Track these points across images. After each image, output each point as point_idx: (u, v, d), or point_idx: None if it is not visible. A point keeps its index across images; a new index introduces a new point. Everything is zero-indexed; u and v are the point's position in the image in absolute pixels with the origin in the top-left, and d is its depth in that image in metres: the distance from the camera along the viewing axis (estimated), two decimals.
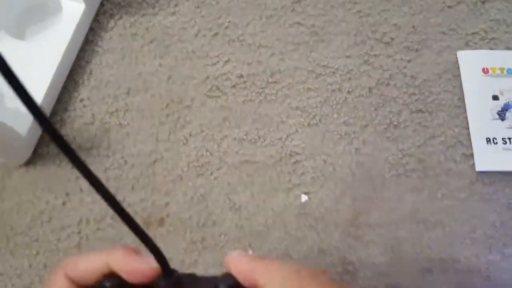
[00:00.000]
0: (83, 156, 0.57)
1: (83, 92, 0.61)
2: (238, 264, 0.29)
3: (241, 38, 0.63)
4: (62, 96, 0.60)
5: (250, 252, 0.54)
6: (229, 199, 0.56)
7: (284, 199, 0.56)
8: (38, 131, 0.58)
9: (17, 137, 0.54)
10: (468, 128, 0.59)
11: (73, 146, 0.59)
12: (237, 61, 0.62)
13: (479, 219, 0.55)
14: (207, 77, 0.61)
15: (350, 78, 0.61)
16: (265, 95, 0.61)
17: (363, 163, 0.58)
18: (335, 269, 0.53)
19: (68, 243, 0.55)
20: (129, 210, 0.56)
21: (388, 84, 0.61)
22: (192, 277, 0.29)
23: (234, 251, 0.30)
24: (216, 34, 0.64)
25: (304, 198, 0.56)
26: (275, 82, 0.61)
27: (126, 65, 0.62)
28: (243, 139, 0.59)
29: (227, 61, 0.62)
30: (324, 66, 0.62)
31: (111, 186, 0.57)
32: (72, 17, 0.61)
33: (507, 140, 0.57)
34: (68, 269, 0.28)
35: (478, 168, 0.57)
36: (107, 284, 0.26)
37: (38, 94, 0.57)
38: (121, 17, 0.64)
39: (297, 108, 0.60)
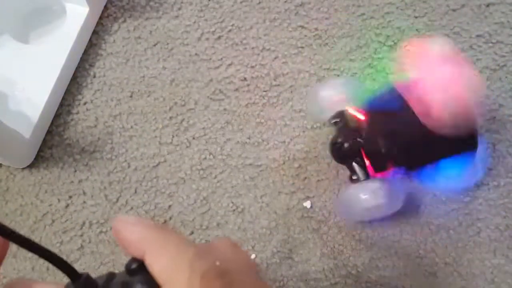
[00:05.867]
0: (86, 159, 0.57)
1: (87, 95, 0.61)
2: (126, 234, 0.26)
3: (244, 41, 0.63)
4: (66, 99, 0.60)
5: (253, 256, 0.54)
6: (232, 202, 0.56)
7: (287, 202, 0.56)
8: (42, 133, 0.58)
9: (21, 140, 0.54)
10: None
11: (76, 149, 0.59)
12: (240, 65, 0.62)
13: (484, 223, 0.55)
14: (210, 80, 0.61)
15: None
16: (268, 98, 0.60)
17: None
18: (338, 272, 0.53)
19: (70, 246, 0.55)
20: (133, 213, 0.56)
21: None
22: (108, 274, 0.27)
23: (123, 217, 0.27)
24: (219, 37, 0.64)
25: (307, 204, 0.56)
26: (278, 85, 0.61)
27: (129, 68, 0.62)
28: (246, 142, 0.59)
29: (230, 65, 0.62)
30: (327, 69, 0.62)
31: (114, 189, 0.57)
32: (76, 21, 0.61)
33: None
34: None
35: None
36: (134, 265, 0.25)
37: (42, 97, 0.57)
38: (125, 21, 0.64)
39: (300, 111, 0.60)
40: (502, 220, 0.55)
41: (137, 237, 0.25)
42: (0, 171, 0.58)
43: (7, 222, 0.55)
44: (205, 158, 0.58)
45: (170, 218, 0.55)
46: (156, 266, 0.24)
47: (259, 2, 0.65)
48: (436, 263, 0.54)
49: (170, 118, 0.60)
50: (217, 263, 0.24)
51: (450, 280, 0.53)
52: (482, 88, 0.50)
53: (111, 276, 0.26)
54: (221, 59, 0.63)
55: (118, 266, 0.54)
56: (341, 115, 0.54)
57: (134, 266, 0.25)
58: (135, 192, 0.57)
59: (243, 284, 0.25)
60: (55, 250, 0.53)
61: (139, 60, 0.63)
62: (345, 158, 0.53)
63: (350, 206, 0.52)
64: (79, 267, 0.54)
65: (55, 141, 0.58)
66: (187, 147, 0.58)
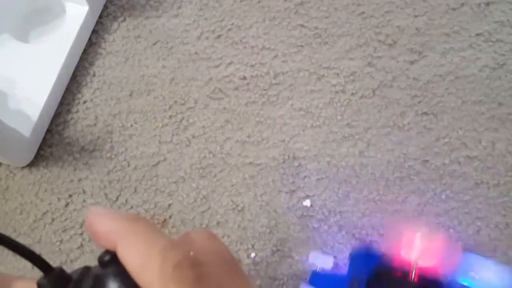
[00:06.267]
0: (86, 158, 0.57)
1: (86, 94, 0.61)
2: (98, 226, 0.25)
3: (244, 40, 0.63)
4: (65, 98, 0.60)
5: (253, 254, 0.54)
6: (232, 200, 0.56)
7: (287, 200, 0.56)
8: (42, 132, 0.58)
9: (21, 138, 0.54)
10: (472, 130, 0.59)
11: (75, 148, 0.59)
12: (240, 63, 0.62)
13: (483, 221, 0.55)
14: (210, 79, 0.61)
15: (353, 80, 0.61)
16: (268, 97, 0.60)
17: (367, 165, 0.57)
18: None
19: (70, 244, 0.54)
20: (132, 211, 0.56)
21: (391, 86, 0.61)
22: (83, 268, 0.27)
23: (93, 207, 0.26)
24: (219, 36, 0.64)
25: (307, 203, 0.56)
26: (278, 84, 0.61)
27: (129, 67, 0.62)
28: (246, 141, 0.59)
29: (230, 63, 0.62)
30: (327, 67, 0.62)
31: (114, 188, 0.57)
32: (76, 20, 0.61)
33: None
34: None
35: None
36: (106, 257, 0.25)
37: (41, 96, 0.57)
38: (124, 20, 0.64)
39: (300, 109, 0.60)
40: (502, 218, 0.55)
41: (108, 228, 0.25)
42: (0, 170, 0.58)
43: (7, 221, 0.55)
44: (204, 157, 0.58)
45: (170, 217, 0.55)
46: (128, 257, 0.24)
47: (259, 1, 0.65)
48: None
49: (170, 116, 0.60)
50: (191, 253, 0.24)
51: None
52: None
53: (86, 270, 0.26)
54: (221, 58, 0.63)
55: None
56: None
57: (106, 258, 0.25)
58: (135, 191, 0.57)
59: (217, 276, 0.25)
60: (55, 248, 0.53)
61: (138, 59, 0.62)
62: None
63: None
64: (78, 265, 0.54)
65: (55, 140, 0.58)
66: (186, 145, 0.58)
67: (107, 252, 0.25)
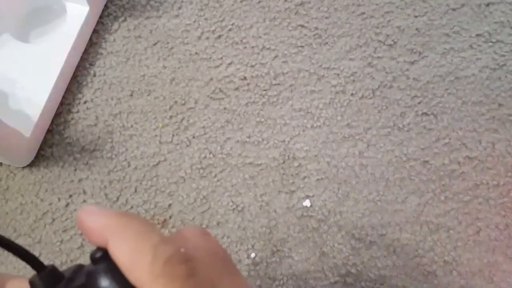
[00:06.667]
0: (86, 158, 0.57)
1: (87, 94, 0.61)
2: (89, 223, 0.25)
3: (244, 40, 0.64)
4: (66, 98, 0.60)
5: (253, 255, 0.54)
6: (232, 201, 0.56)
7: (287, 201, 0.56)
8: (42, 132, 0.58)
9: (21, 139, 0.54)
10: (472, 131, 0.59)
11: (76, 148, 0.59)
12: (241, 64, 0.62)
13: (483, 222, 0.55)
14: (211, 79, 0.61)
15: (353, 80, 0.61)
16: (268, 97, 0.61)
17: (367, 166, 0.58)
18: (338, 271, 0.53)
19: (71, 245, 0.55)
20: (133, 212, 0.56)
21: (391, 87, 0.61)
22: (76, 266, 0.26)
23: (86, 206, 0.26)
24: (219, 36, 0.64)
25: (307, 203, 0.56)
26: (278, 84, 0.61)
27: (129, 67, 0.62)
28: (246, 141, 0.59)
29: (230, 64, 0.62)
30: (327, 68, 0.62)
31: (114, 188, 0.57)
32: (76, 20, 0.61)
33: None
34: None
35: None
36: (98, 254, 0.25)
37: (42, 96, 0.57)
38: (125, 20, 0.64)
39: (300, 110, 0.60)
40: (502, 219, 0.55)
41: (99, 225, 0.25)
42: (1, 170, 0.58)
43: (7, 221, 0.55)
44: (205, 157, 0.58)
45: (170, 217, 0.56)
46: (119, 253, 0.24)
47: (259, 1, 0.65)
48: (435, 262, 0.54)
49: (170, 117, 0.60)
50: (182, 249, 0.24)
51: (450, 279, 0.53)
52: None
53: (78, 267, 0.26)
54: (221, 58, 0.63)
55: None
56: None
57: (98, 255, 0.25)
58: (135, 191, 0.57)
59: (209, 272, 0.25)
60: (55, 249, 0.53)
61: (139, 59, 0.63)
62: None
63: None
64: None
65: (55, 140, 0.59)
66: (187, 146, 0.58)
67: (99, 249, 0.25)
